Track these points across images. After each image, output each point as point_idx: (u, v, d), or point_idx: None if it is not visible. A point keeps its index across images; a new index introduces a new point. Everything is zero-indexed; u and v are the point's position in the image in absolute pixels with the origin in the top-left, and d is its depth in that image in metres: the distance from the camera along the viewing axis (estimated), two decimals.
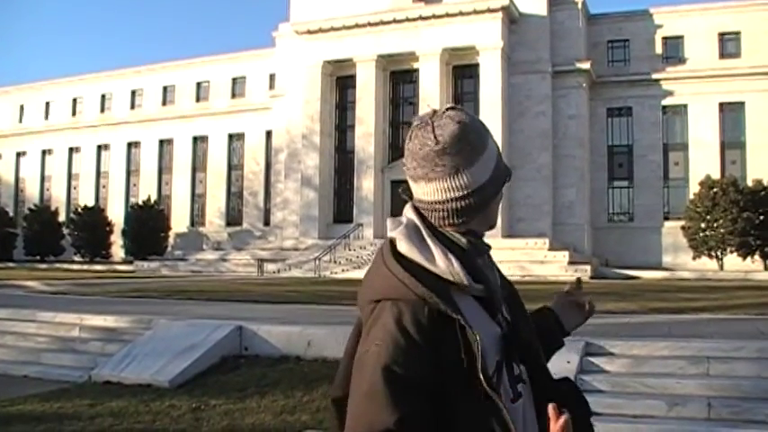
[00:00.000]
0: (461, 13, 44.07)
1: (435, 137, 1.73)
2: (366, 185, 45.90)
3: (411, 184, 1.81)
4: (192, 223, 59.78)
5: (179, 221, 58.76)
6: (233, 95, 58.94)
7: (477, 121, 1.78)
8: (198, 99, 60.47)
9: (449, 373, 1.62)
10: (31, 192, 68.01)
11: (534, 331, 1.93)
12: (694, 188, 42.09)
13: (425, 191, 1.76)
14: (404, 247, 1.74)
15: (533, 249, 37.16)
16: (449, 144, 1.72)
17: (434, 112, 1.78)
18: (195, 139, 60.30)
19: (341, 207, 48.50)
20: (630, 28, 48.12)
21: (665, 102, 46.87)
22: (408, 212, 1.82)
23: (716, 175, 42.03)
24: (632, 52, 48.01)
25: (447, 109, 1.78)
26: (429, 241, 1.74)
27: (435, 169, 1.73)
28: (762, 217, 38.44)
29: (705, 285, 27.43)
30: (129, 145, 63.38)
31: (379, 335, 1.64)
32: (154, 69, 62.81)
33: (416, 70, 46.42)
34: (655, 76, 46.50)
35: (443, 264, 1.71)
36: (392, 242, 1.78)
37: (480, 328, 1.66)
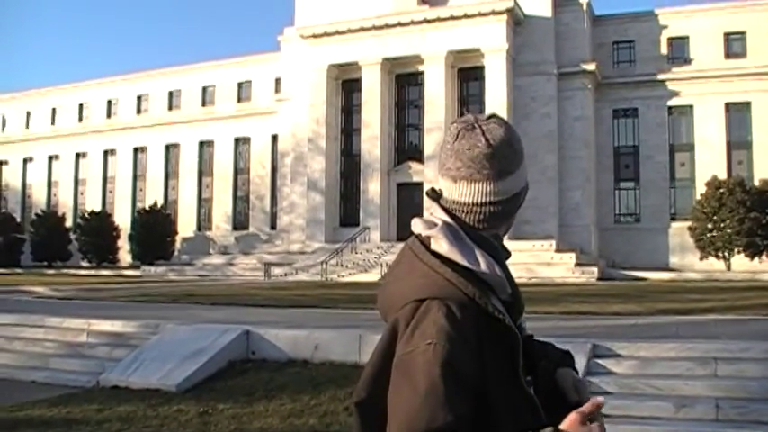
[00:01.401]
0: (466, 16, 44.06)
1: (486, 139, 1.78)
2: (372, 189, 45.88)
3: (448, 184, 1.82)
4: (199, 227, 59.86)
5: (186, 226, 58.83)
6: (239, 100, 59.01)
7: (516, 130, 1.88)
8: (204, 103, 60.57)
9: (491, 371, 1.65)
10: (38, 197, 68.18)
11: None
12: (701, 189, 42.00)
13: (466, 192, 1.78)
14: (444, 247, 1.74)
15: (540, 251, 37.11)
16: (499, 148, 1.78)
17: (476, 118, 1.84)
18: (201, 143, 60.39)
19: (347, 210, 48.49)
20: (636, 29, 48.04)
21: (671, 102, 46.78)
22: (440, 213, 1.83)
23: (722, 175, 41.93)
24: (638, 53, 47.92)
25: (490, 116, 1.86)
26: (469, 242, 1.76)
27: (482, 171, 1.76)
28: None
29: (712, 286, 27.34)
30: (136, 150, 63.52)
31: (432, 332, 1.63)
32: (160, 74, 62.95)
33: (422, 73, 46.40)
34: (660, 76, 46.41)
35: (485, 266, 1.73)
36: (422, 242, 1.79)
37: None
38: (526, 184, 1.85)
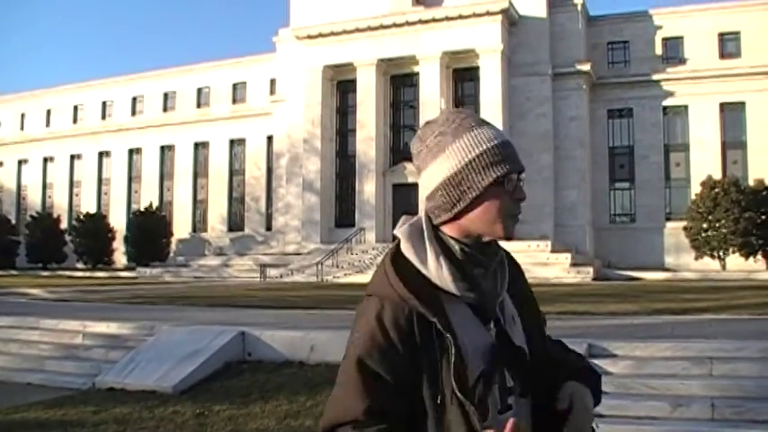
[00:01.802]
0: (461, 17, 44.09)
1: (417, 136, 1.84)
2: (368, 189, 45.89)
3: None
4: (194, 229, 59.80)
5: (181, 227, 58.79)
6: (234, 101, 58.98)
7: (472, 115, 1.81)
8: (199, 105, 60.53)
9: (426, 374, 1.65)
10: (33, 199, 68.08)
11: (541, 345, 1.89)
12: (696, 189, 42.10)
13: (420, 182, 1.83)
14: (404, 246, 1.77)
15: (535, 251, 37.12)
16: (414, 144, 1.83)
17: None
18: (196, 144, 60.34)
19: (343, 211, 48.48)
20: (630, 29, 48.13)
21: (666, 102, 46.88)
22: (422, 212, 1.84)
23: (717, 175, 42.02)
24: (632, 53, 48.02)
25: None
26: (427, 243, 1.75)
27: (417, 158, 1.83)
28: (764, 217, 38.46)
29: (708, 286, 27.38)
30: (131, 151, 63.46)
31: (360, 327, 1.71)
32: (154, 76, 62.89)
33: (417, 74, 46.42)
34: (655, 77, 46.51)
35: (433, 267, 1.72)
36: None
37: (467, 336, 1.68)
38: (447, 179, 1.73)
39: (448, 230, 1.78)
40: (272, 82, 54.83)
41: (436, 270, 1.71)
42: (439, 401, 1.64)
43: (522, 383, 1.76)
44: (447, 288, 1.70)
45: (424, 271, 1.72)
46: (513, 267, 1.90)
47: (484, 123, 1.79)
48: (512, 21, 45.22)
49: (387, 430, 1.62)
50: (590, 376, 1.86)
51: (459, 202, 1.73)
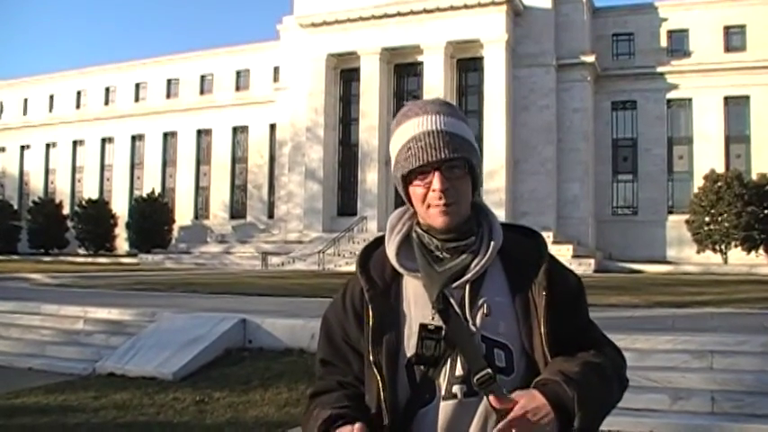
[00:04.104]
0: (466, 6, 43.98)
1: None
2: (370, 178, 45.89)
3: None
4: (197, 216, 59.86)
5: (183, 214, 58.82)
6: (237, 88, 58.95)
7: (403, 110, 1.87)
8: (202, 92, 60.50)
9: (363, 341, 1.83)
10: (36, 185, 68.13)
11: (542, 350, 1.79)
12: (699, 182, 42.02)
13: None
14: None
15: None
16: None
17: None
18: (199, 132, 60.34)
19: (345, 200, 48.50)
20: (635, 21, 48.00)
21: (670, 95, 46.77)
22: None
23: (720, 168, 41.98)
24: (637, 45, 47.90)
25: None
26: (399, 225, 1.92)
27: None
28: (766, 211, 38.44)
29: (709, 279, 27.37)
30: (134, 138, 63.46)
31: (334, 297, 2.00)
32: (158, 62, 62.87)
33: (421, 63, 46.33)
34: (659, 69, 46.40)
35: (390, 247, 1.88)
36: None
37: (414, 313, 1.81)
38: (398, 176, 1.83)
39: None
40: (276, 70, 54.77)
41: (389, 249, 1.87)
42: (366, 367, 1.83)
43: (478, 376, 1.70)
44: (394, 265, 1.86)
45: (387, 251, 1.89)
46: (526, 260, 1.85)
47: (412, 116, 1.81)
48: (516, 11, 45.11)
49: (329, 375, 1.90)
50: (558, 390, 1.68)
51: (403, 196, 1.88)
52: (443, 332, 1.74)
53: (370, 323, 1.80)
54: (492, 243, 1.83)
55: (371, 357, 1.78)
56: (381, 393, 1.75)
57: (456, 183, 1.77)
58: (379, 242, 1.94)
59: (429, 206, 1.78)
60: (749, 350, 8.94)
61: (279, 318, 11.78)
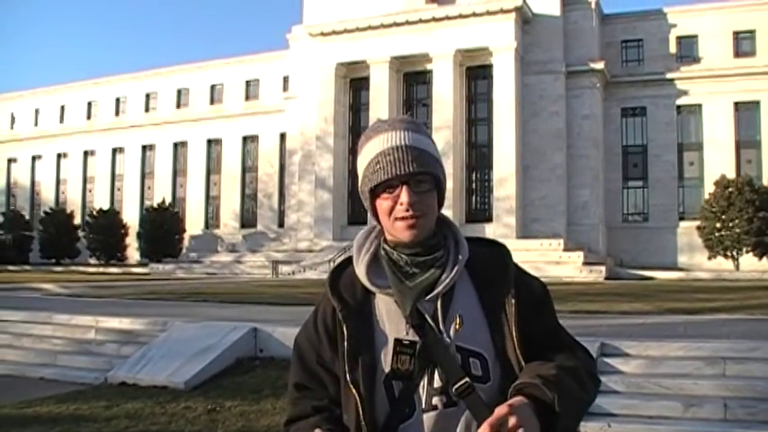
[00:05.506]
0: (474, 14, 44.06)
1: None
2: None
3: None
4: (207, 225, 60.01)
5: (193, 224, 58.98)
6: (247, 98, 59.15)
7: (371, 126, 1.89)
8: (212, 102, 60.74)
9: (339, 360, 1.82)
10: (47, 195, 68.44)
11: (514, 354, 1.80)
12: (709, 188, 41.91)
13: None
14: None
15: (548, 250, 37.00)
16: None
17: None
18: (209, 141, 60.56)
19: (355, 209, 48.50)
20: (644, 27, 47.94)
21: (680, 101, 46.68)
22: None
23: (731, 174, 41.83)
24: (646, 52, 47.84)
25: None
26: (367, 244, 1.92)
27: None
28: None
29: (721, 286, 27.26)
30: (144, 148, 63.72)
31: (307, 319, 1.97)
32: (168, 72, 63.17)
33: (430, 71, 46.40)
34: (669, 75, 46.33)
35: (360, 266, 1.88)
36: None
37: (389, 329, 1.82)
38: (365, 189, 1.84)
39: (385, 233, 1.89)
40: (285, 79, 54.94)
41: (359, 268, 1.87)
42: (342, 387, 1.81)
43: (457, 386, 1.75)
44: (365, 284, 1.86)
45: (356, 270, 1.89)
46: (492, 270, 1.89)
47: (381, 132, 1.84)
48: (525, 19, 45.14)
49: (304, 399, 1.87)
50: (537, 393, 1.66)
51: (368, 211, 1.88)
52: (418, 346, 1.77)
53: (345, 342, 1.80)
54: (459, 256, 1.86)
55: (348, 376, 1.78)
56: (360, 411, 1.76)
57: (423, 197, 1.79)
58: (346, 263, 1.94)
59: (396, 219, 1.80)
60: (762, 356, 8.89)
61: (290, 327, 11.75)
